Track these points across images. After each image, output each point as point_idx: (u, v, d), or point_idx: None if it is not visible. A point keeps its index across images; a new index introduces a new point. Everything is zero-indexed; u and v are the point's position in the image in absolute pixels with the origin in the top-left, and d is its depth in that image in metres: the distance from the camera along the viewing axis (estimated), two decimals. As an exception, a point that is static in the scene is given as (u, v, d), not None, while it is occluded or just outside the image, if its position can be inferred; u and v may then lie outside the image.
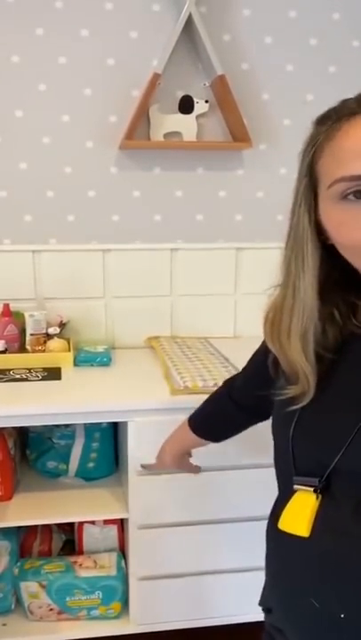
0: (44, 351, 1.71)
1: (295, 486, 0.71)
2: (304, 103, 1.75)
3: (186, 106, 1.71)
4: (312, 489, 0.68)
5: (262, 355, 0.84)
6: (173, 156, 1.79)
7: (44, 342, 1.73)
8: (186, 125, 1.72)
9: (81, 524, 1.69)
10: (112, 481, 1.70)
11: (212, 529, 1.53)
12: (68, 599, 1.58)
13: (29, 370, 1.64)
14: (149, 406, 1.41)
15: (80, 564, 1.62)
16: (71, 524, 1.74)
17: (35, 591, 1.57)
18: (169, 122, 1.72)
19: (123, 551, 1.69)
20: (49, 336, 1.75)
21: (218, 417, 1.08)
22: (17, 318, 1.75)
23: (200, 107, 1.72)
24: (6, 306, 1.74)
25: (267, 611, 0.83)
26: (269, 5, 1.71)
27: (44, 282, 1.83)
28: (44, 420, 1.48)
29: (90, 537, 1.70)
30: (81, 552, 1.70)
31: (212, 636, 1.60)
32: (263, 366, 0.81)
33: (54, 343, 1.72)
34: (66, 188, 1.78)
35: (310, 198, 0.64)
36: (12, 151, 1.73)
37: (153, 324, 1.91)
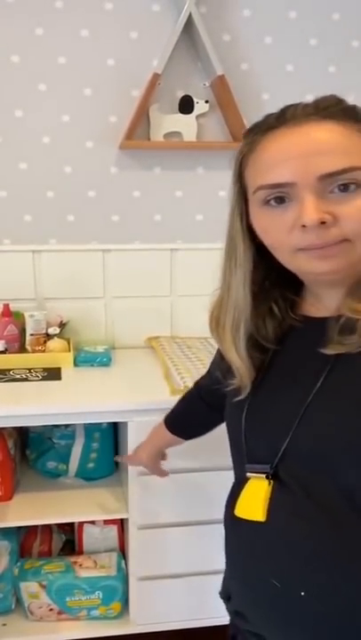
0: (44, 351, 1.71)
1: (248, 474, 0.75)
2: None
3: (186, 106, 1.71)
4: (264, 475, 0.72)
5: (219, 353, 0.89)
6: (173, 156, 1.79)
7: (44, 342, 1.73)
8: (186, 125, 1.72)
9: (81, 524, 1.69)
10: (112, 481, 1.70)
11: (212, 529, 1.52)
12: (68, 599, 1.58)
13: (29, 370, 1.64)
14: (149, 406, 1.41)
15: (80, 565, 1.62)
16: (71, 524, 1.74)
17: (35, 591, 1.57)
18: (169, 122, 1.72)
19: (123, 551, 1.69)
20: (49, 336, 1.75)
21: (190, 416, 1.13)
22: (17, 318, 1.75)
23: (200, 107, 1.72)
24: (6, 306, 1.74)
25: (227, 599, 0.86)
26: (269, 5, 1.71)
27: (44, 282, 1.83)
28: (44, 420, 1.48)
29: (90, 537, 1.70)
30: (81, 552, 1.70)
31: (212, 635, 1.60)
32: (221, 364, 0.87)
33: (54, 343, 1.72)
34: (66, 187, 1.78)
35: (242, 204, 0.71)
36: (12, 151, 1.73)
37: (153, 323, 1.91)
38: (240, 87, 1.69)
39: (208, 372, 1.05)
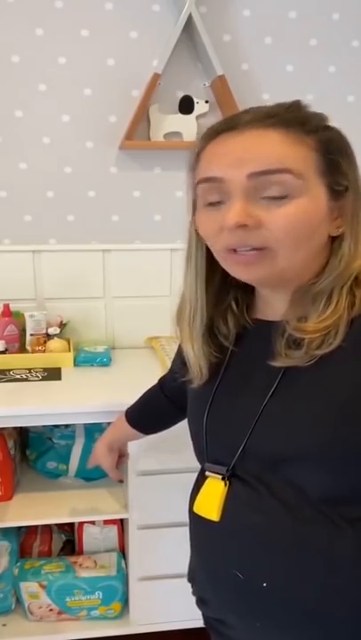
0: (44, 351, 1.71)
1: (207, 473, 0.77)
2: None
3: (186, 106, 1.71)
4: (220, 477, 0.74)
5: (179, 347, 0.92)
6: (173, 156, 1.79)
7: (44, 342, 1.73)
8: (186, 125, 1.72)
9: (81, 524, 1.69)
10: (112, 481, 1.68)
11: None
12: (68, 599, 1.58)
13: (29, 370, 1.64)
14: (149, 406, 1.41)
15: (80, 565, 1.61)
16: (71, 524, 1.74)
17: (35, 591, 1.57)
18: (169, 122, 1.72)
19: (123, 551, 1.69)
20: (49, 336, 1.75)
21: (152, 411, 1.14)
22: (17, 318, 1.75)
23: (200, 107, 1.72)
24: (6, 306, 1.74)
25: (192, 580, 0.89)
26: (269, 5, 1.71)
27: (44, 282, 1.83)
28: (44, 420, 1.48)
29: (90, 537, 1.70)
30: (81, 552, 1.70)
31: (212, 636, 1.60)
32: (177, 359, 0.90)
33: (54, 343, 1.72)
34: (66, 187, 1.78)
35: (193, 202, 0.74)
36: (12, 151, 1.73)
37: (153, 323, 1.91)
38: (240, 87, 1.70)
39: (170, 368, 1.06)
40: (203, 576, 0.83)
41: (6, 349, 1.69)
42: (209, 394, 0.78)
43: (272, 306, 0.74)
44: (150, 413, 1.14)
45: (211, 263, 0.75)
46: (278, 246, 0.63)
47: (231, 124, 0.67)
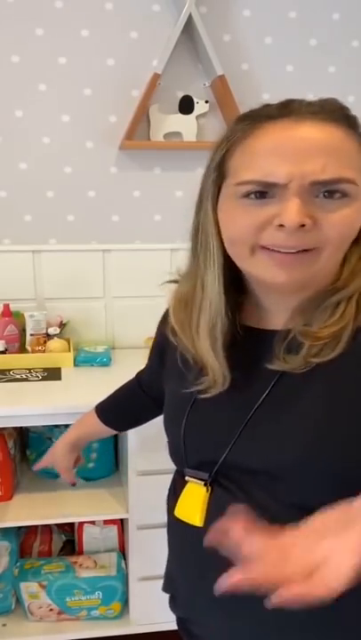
0: (44, 351, 1.71)
1: (187, 477, 0.75)
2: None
3: (186, 106, 1.71)
4: (202, 482, 0.72)
5: (161, 346, 0.88)
6: (173, 156, 1.79)
7: (44, 342, 1.73)
8: (186, 125, 1.72)
9: (81, 524, 1.69)
10: (112, 481, 1.70)
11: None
12: (68, 599, 1.58)
13: (29, 370, 1.64)
14: (149, 406, 1.41)
15: (80, 565, 1.61)
16: (71, 524, 1.74)
17: (35, 591, 1.57)
18: (169, 122, 1.72)
19: (123, 551, 1.69)
20: (49, 336, 1.75)
21: (128, 406, 1.09)
22: (17, 318, 1.75)
23: (200, 107, 1.72)
24: (6, 306, 1.74)
25: (168, 588, 0.89)
26: (269, 5, 1.71)
27: (44, 282, 1.83)
28: (44, 420, 1.48)
29: (90, 537, 1.70)
30: (81, 552, 1.70)
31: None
32: (160, 359, 0.87)
33: (54, 343, 1.72)
34: (66, 187, 1.78)
35: (215, 193, 0.66)
36: (12, 151, 1.73)
37: (153, 324, 1.88)
38: (240, 87, 1.69)
39: (149, 365, 1.03)
40: (181, 579, 0.83)
41: (6, 349, 1.69)
42: (188, 399, 0.75)
43: (271, 314, 0.71)
44: (126, 409, 1.10)
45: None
46: (326, 248, 0.60)
47: (286, 110, 0.60)
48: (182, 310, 0.74)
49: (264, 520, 0.67)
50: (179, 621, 0.89)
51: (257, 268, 0.64)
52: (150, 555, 1.55)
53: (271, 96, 1.75)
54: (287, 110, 0.61)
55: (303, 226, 0.58)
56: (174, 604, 0.87)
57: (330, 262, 0.62)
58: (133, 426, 1.14)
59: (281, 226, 0.59)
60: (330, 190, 0.59)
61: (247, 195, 0.61)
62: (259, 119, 0.62)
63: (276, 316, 0.70)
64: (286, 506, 0.65)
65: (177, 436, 0.77)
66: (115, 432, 1.15)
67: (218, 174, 0.65)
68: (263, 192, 0.60)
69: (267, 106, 0.64)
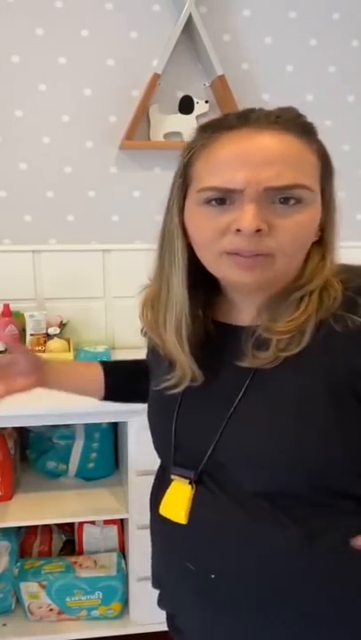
0: (44, 351, 1.71)
1: (172, 476, 0.77)
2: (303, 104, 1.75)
3: (186, 106, 1.71)
4: (187, 481, 0.74)
5: (150, 346, 0.89)
6: (173, 156, 1.76)
7: (44, 342, 1.73)
8: (186, 125, 1.72)
9: (81, 524, 1.69)
10: (112, 481, 1.70)
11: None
12: (68, 599, 1.58)
13: (29, 370, 1.63)
14: (149, 406, 1.41)
15: (80, 565, 1.62)
16: (71, 524, 1.74)
17: (35, 591, 1.57)
18: (169, 122, 1.72)
19: (123, 551, 1.69)
20: (49, 336, 1.75)
21: (131, 376, 1.01)
22: (17, 318, 1.75)
23: (200, 107, 1.72)
24: (6, 306, 1.74)
25: (158, 585, 0.92)
26: (269, 5, 1.71)
27: (44, 282, 1.83)
28: (44, 420, 1.48)
29: (90, 537, 1.70)
30: (81, 552, 1.70)
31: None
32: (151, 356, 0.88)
33: (54, 343, 1.72)
34: (66, 187, 1.78)
35: (181, 198, 0.70)
36: (12, 151, 1.73)
37: (153, 324, 1.90)
38: (240, 87, 1.69)
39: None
40: (166, 574, 0.85)
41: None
42: (175, 398, 0.77)
43: (241, 310, 0.74)
44: (129, 378, 1.02)
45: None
46: (281, 253, 0.63)
47: (246, 120, 0.64)
48: (150, 309, 0.79)
49: (239, 512, 0.69)
50: (167, 617, 0.91)
51: (223, 271, 0.67)
52: (150, 555, 1.54)
53: (271, 96, 1.76)
54: (247, 120, 0.64)
55: (259, 230, 0.61)
56: (161, 600, 0.90)
57: (291, 265, 0.66)
58: (127, 397, 1.04)
59: (238, 231, 0.62)
60: (285, 197, 0.62)
61: (208, 201, 0.64)
62: (220, 129, 0.65)
63: (245, 312, 0.73)
64: (259, 497, 0.68)
65: (167, 432, 0.78)
66: (98, 393, 1.02)
67: (183, 180, 0.69)
68: (223, 199, 0.63)
69: (227, 115, 0.67)
